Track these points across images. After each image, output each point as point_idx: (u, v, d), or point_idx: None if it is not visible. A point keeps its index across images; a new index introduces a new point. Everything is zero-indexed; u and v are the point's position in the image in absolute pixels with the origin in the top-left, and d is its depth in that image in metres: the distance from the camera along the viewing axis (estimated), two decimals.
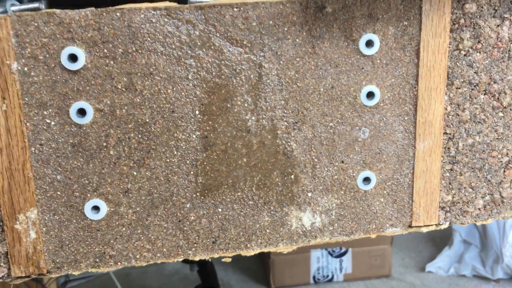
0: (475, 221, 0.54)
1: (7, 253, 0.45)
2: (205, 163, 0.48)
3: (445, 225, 0.53)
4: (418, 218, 0.53)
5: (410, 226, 0.53)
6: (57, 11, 0.42)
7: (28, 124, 0.44)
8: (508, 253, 1.69)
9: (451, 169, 0.52)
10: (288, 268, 1.79)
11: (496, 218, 0.54)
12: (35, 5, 0.44)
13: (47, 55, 0.43)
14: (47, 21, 0.42)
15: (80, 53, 0.43)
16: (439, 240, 2.01)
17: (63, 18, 0.43)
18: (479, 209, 0.54)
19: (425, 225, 0.53)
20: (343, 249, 1.80)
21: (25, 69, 0.43)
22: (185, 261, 1.68)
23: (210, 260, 1.62)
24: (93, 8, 0.43)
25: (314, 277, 1.81)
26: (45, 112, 0.44)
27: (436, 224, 0.53)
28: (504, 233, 1.70)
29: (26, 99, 0.43)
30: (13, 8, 0.44)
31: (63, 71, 0.43)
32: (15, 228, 0.45)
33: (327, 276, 1.82)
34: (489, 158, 0.52)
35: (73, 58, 0.43)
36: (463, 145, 0.51)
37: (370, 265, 1.83)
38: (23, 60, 0.43)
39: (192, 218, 0.49)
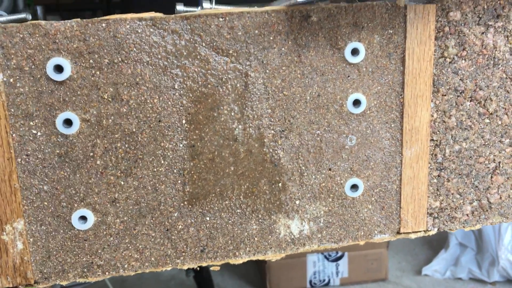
0: (463, 227, 0.54)
1: None
2: (192, 172, 0.48)
3: (433, 231, 0.54)
4: (407, 224, 0.53)
5: (398, 233, 0.53)
6: (42, 22, 0.43)
7: (14, 135, 0.44)
8: (504, 255, 1.69)
9: (438, 176, 0.52)
10: (284, 272, 1.78)
11: (484, 224, 0.54)
12: (22, 15, 0.45)
13: (33, 66, 0.43)
14: (32, 32, 0.43)
15: (66, 64, 0.43)
16: (435, 243, 2.01)
17: (49, 29, 0.43)
18: (467, 215, 0.54)
19: (413, 232, 0.53)
20: (340, 253, 1.80)
21: (11, 80, 0.43)
22: None
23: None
24: (78, 19, 0.43)
25: (310, 282, 1.81)
26: (31, 123, 0.44)
27: (424, 231, 0.53)
28: (499, 236, 1.70)
29: (12, 110, 0.43)
30: (0, 19, 0.44)
31: (49, 82, 0.44)
32: (1, 239, 0.45)
33: (324, 280, 1.82)
34: (476, 164, 0.52)
35: (59, 69, 0.44)
36: (450, 151, 0.52)
37: (366, 269, 1.83)
38: (8, 72, 0.43)
39: (180, 227, 0.49)
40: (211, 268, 0.51)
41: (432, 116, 0.50)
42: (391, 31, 0.48)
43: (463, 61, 0.49)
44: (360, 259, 1.83)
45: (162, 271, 1.86)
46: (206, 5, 0.46)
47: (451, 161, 0.52)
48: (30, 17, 0.45)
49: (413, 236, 0.53)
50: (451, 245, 1.85)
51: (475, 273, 1.76)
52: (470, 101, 0.51)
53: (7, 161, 0.44)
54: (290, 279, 1.79)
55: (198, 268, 0.50)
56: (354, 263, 1.83)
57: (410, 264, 1.93)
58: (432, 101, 0.50)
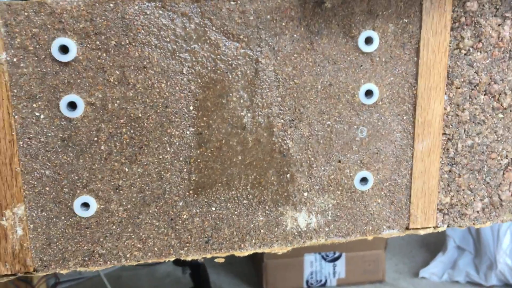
0: (473, 224, 0.53)
1: None
2: (199, 160, 0.46)
3: (443, 228, 0.52)
4: (416, 220, 0.51)
5: (407, 228, 0.52)
6: (48, 1, 0.41)
7: (16, 117, 0.42)
8: (502, 259, 1.68)
9: (449, 171, 0.51)
10: (281, 272, 1.77)
11: (494, 221, 0.53)
12: None
13: (37, 46, 0.42)
14: (38, 10, 0.41)
15: (72, 44, 0.42)
16: (433, 246, 2.00)
17: (55, 8, 0.41)
18: (477, 211, 0.53)
19: (422, 228, 0.52)
20: (337, 254, 1.79)
21: (14, 60, 0.41)
22: (178, 263, 1.66)
23: (202, 262, 1.60)
24: None
25: (307, 282, 1.79)
26: (34, 105, 0.43)
27: (434, 227, 0.52)
28: (498, 240, 1.69)
29: (15, 91, 0.42)
30: None
31: (54, 62, 0.42)
32: (1, 224, 0.43)
33: (320, 280, 1.80)
34: (488, 160, 0.51)
35: (64, 49, 0.42)
36: (462, 146, 0.50)
37: (363, 270, 1.82)
38: (12, 51, 0.41)
39: (185, 216, 0.47)
40: (216, 260, 0.49)
41: (445, 109, 0.49)
42: (406, 20, 0.46)
43: (479, 53, 0.48)
44: (358, 260, 1.81)
45: (158, 268, 1.84)
46: None
47: (463, 156, 0.51)
48: None
49: (422, 232, 0.52)
50: (449, 248, 1.85)
51: (473, 277, 1.75)
52: (484, 94, 0.49)
53: (8, 144, 0.42)
54: (286, 278, 1.78)
55: (202, 259, 0.48)
56: (351, 264, 1.81)
57: (407, 266, 1.92)
58: (445, 93, 0.49)
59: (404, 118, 0.49)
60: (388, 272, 1.86)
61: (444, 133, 0.50)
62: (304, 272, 1.79)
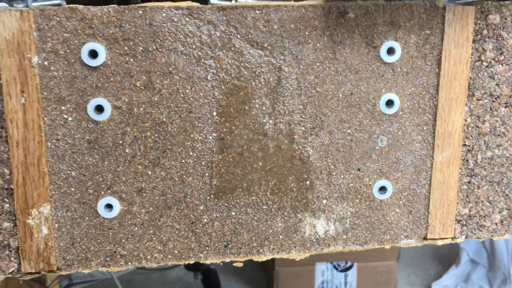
0: (492, 236, 0.53)
1: (18, 248, 0.45)
2: (220, 165, 0.47)
3: (461, 239, 0.52)
4: (434, 230, 0.52)
5: (425, 238, 0.52)
6: (80, 6, 0.42)
7: (45, 118, 0.44)
8: None
9: (468, 182, 0.51)
10: (292, 280, 1.77)
11: None
12: (57, 1, 0.45)
13: (68, 50, 0.43)
14: (69, 16, 0.42)
15: (101, 49, 0.43)
16: (446, 259, 1.98)
17: (85, 14, 0.43)
18: (496, 223, 0.53)
19: (440, 238, 0.52)
20: (349, 264, 1.78)
21: (45, 63, 0.43)
22: (190, 268, 1.67)
23: (214, 268, 1.61)
24: (115, 5, 0.43)
25: None
26: (63, 107, 0.44)
27: (452, 238, 0.52)
28: None
29: (45, 93, 0.43)
30: (35, 3, 0.44)
31: (83, 67, 0.43)
32: (27, 223, 0.45)
33: None
34: (508, 172, 0.51)
35: (93, 54, 0.43)
36: (482, 157, 0.51)
37: (375, 281, 1.81)
38: (43, 54, 0.43)
39: (205, 220, 0.48)
40: (234, 264, 0.50)
41: (466, 120, 0.49)
42: (428, 32, 0.47)
43: (500, 65, 0.48)
44: (369, 270, 1.80)
45: (170, 272, 1.85)
46: None
47: (483, 168, 0.51)
48: (65, 2, 0.45)
49: (440, 242, 0.52)
50: (462, 261, 1.83)
51: None
52: (505, 107, 0.50)
53: (37, 145, 0.44)
54: (297, 287, 1.77)
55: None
56: (363, 274, 1.80)
57: (420, 279, 1.90)
58: (466, 105, 0.49)
59: (424, 128, 0.49)
60: (400, 284, 1.85)
61: (464, 144, 0.50)
62: (316, 281, 1.78)
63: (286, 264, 1.69)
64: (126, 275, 1.80)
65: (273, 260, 1.67)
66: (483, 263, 1.80)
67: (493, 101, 0.49)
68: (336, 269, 1.78)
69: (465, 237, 0.52)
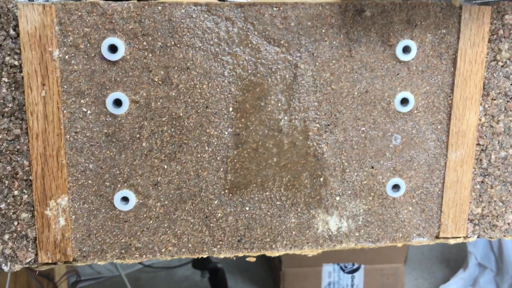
0: (504, 236, 0.53)
1: (35, 239, 0.46)
2: (235, 160, 0.48)
3: (473, 238, 0.53)
4: (446, 229, 0.52)
5: (437, 237, 0.52)
6: (101, 2, 0.43)
7: (65, 111, 0.44)
8: None
9: (482, 181, 0.51)
10: (299, 281, 1.77)
11: None
12: None
13: (88, 45, 0.44)
14: (90, 11, 0.43)
15: (120, 44, 0.44)
16: (454, 262, 1.97)
17: (106, 9, 0.43)
18: (508, 223, 0.53)
19: (453, 237, 0.52)
20: (356, 265, 1.78)
21: (66, 57, 0.43)
22: (197, 267, 1.67)
23: (221, 267, 1.61)
24: (135, 1, 0.44)
25: None
26: (82, 101, 0.44)
27: (464, 237, 0.52)
28: None
29: (65, 86, 0.44)
30: None
31: (103, 61, 0.44)
32: (45, 214, 0.45)
33: None
34: None
35: (113, 49, 0.44)
36: (496, 157, 0.51)
37: (382, 284, 1.80)
38: (64, 48, 0.43)
39: (219, 215, 0.48)
40: (247, 259, 0.50)
41: (480, 120, 0.50)
42: (444, 31, 0.47)
43: None
44: (376, 273, 1.80)
45: (177, 271, 1.86)
46: None
47: (496, 168, 0.51)
48: None
49: (452, 241, 0.52)
50: (470, 265, 1.82)
51: None
52: None
53: (56, 137, 0.44)
54: (304, 287, 1.77)
55: (235, 256, 0.49)
56: (370, 276, 1.80)
57: (427, 282, 1.89)
58: (481, 104, 0.49)
59: (439, 127, 0.49)
60: (407, 287, 1.84)
61: (478, 144, 0.50)
62: (322, 282, 1.78)
63: (293, 265, 1.69)
64: (133, 273, 1.81)
65: (280, 260, 1.67)
66: (491, 267, 1.79)
67: (507, 101, 0.49)
68: (343, 270, 1.78)
69: (477, 237, 0.52)
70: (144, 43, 0.44)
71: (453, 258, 1.99)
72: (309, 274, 1.77)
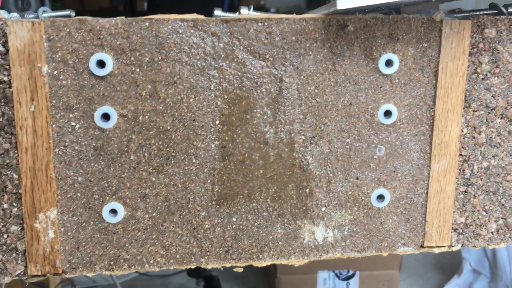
0: (487, 244, 0.54)
1: (25, 251, 0.46)
2: (222, 172, 0.48)
3: (457, 247, 0.53)
4: (431, 238, 0.53)
5: (422, 246, 0.53)
6: (89, 18, 0.44)
7: (54, 125, 0.45)
8: None
9: (465, 191, 0.52)
10: (294, 287, 1.77)
11: (508, 243, 0.54)
12: (67, 12, 0.46)
13: (77, 60, 0.44)
14: (78, 27, 0.44)
15: (108, 59, 0.45)
16: (448, 268, 1.98)
17: (94, 26, 0.44)
18: (492, 232, 0.54)
19: (437, 246, 0.53)
20: (351, 272, 1.79)
21: (55, 72, 0.44)
22: (192, 275, 1.67)
23: (216, 275, 1.61)
24: (123, 17, 0.45)
25: None
26: (70, 115, 0.45)
27: (448, 246, 0.53)
28: None
29: (54, 101, 0.45)
30: (45, 14, 0.46)
31: (91, 76, 0.45)
32: (34, 226, 0.46)
33: None
34: (504, 182, 0.52)
35: (101, 64, 0.45)
36: (478, 167, 0.52)
37: None
38: (53, 64, 0.44)
39: (207, 226, 0.49)
40: (234, 269, 0.51)
41: (462, 131, 0.51)
42: (425, 45, 0.48)
43: (496, 78, 0.50)
44: (371, 279, 1.81)
45: (172, 279, 1.86)
46: (244, 11, 0.48)
47: (479, 178, 0.52)
48: (74, 14, 0.47)
49: (436, 250, 0.53)
50: (465, 271, 1.83)
51: None
52: (501, 118, 0.51)
53: (45, 151, 0.45)
54: None
55: (222, 267, 0.50)
56: (365, 283, 1.81)
57: None
58: (463, 116, 0.50)
59: (422, 138, 0.50)
60: None
61: (461, 154, 0.51)
62: None
63: (288, 272, 1.70)
64: (128, 281, 1.81)
65: (275, 267, 1.68)
66: (485, 273, 1.80)
67: (489, 113, 0.51)
68: (338, 277, 1.79)
69: (462, 246, 0.53)
70: (132, 58, 0.45)
71: (448, 264, 2.00)
72: (304, 281, 1.77)
